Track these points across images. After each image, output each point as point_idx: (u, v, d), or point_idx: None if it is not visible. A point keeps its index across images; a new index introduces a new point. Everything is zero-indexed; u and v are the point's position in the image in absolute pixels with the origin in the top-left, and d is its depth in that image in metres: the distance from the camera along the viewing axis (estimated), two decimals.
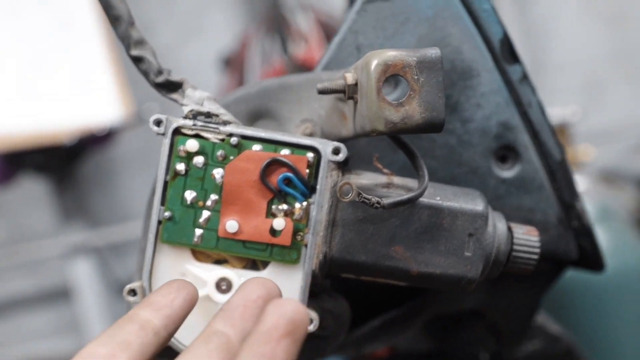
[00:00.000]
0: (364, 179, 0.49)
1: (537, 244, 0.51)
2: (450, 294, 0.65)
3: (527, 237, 0.51)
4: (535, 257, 0.51)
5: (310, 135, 0.52)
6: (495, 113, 0.58)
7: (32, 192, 1.94)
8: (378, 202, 0.43)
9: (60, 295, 1.98)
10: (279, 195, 0.47)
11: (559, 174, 0.60)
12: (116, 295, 1.95)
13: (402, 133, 0.44)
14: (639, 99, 2.02)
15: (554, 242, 0.60)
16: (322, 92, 0.47)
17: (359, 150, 0.56)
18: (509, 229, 0.51)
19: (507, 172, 0.59)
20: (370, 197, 0.43)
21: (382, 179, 0.49)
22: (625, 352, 1.12)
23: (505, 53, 0.59)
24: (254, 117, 0.54)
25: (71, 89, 1.70)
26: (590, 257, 0.63)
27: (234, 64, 1.67)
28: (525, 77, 0.59)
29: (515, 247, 0.50)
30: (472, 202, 0.49)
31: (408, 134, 0.44)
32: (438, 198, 0.49)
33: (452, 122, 0.58)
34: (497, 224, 0.50)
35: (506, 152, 0.59)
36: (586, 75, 1.99)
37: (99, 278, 1.91)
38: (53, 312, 1.99)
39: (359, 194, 0.42)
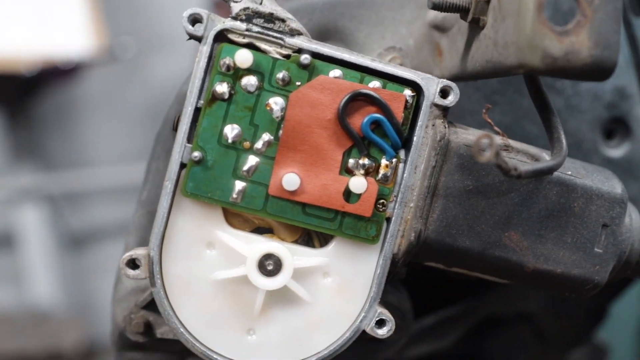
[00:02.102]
0: (473, 135, 0.36)
1: None
2: (509, 293, 0.54)
3: None
4: None
5: None
6: (613, 75, 0.46)
7: None
8: (515, 169, 0.30)
9: (2, 242, 1.78)
10: (362, 144, 0.33)
11: None
12: (67, 248, 1.77)
13: (557, 75, 0.31)
14: None
15: None
16: (437, 7, 0.33)
17: None
18: None
19: (614, 151, 0.47)
20: (507, 160, 0.30)
21: (496, 140, 0.36)
22: None
23: (633, 1, 0.46)
24: (318, 36, 0.40)
25: (35, 12, 1.48)
26: None
27: (225, 7, 1.49)
28: None
29: None
30: (608, 183, 0.37)
31: (563, 77, 0.31)
32: (569, 172, 0.36)
33: (562, 80, 0.45)
34: (633, 216, 0.38)
35: (615, 126, 0.47)
36: None
37: (48, 227, 1.72)
38: None
39: (498, 152, 0.29)
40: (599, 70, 0.31)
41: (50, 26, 1.50)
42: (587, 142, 0.46)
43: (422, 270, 0.45)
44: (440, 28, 0.39)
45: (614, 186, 0.37)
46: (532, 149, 0.36)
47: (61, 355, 1.59)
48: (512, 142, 0.36)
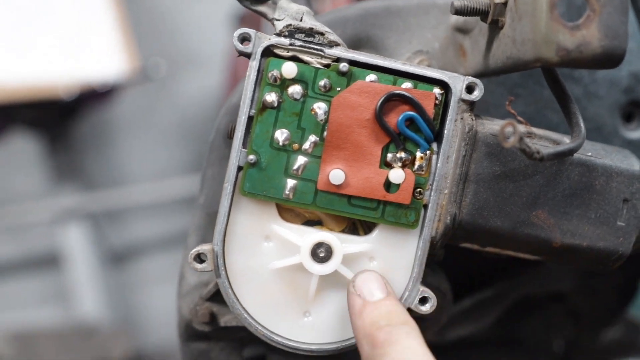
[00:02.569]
0: (498, 125, 0.39)
1: None
2: (543, 273, 0.57)
3: None
4: None
5: None
6: (627, 61, 0.48)
7: (22, 150, 1.80)
8: (538, 152, 0.33)
9: (48, 262, 1.85)
10: (398, 140, 0.37)
11: None
12: (110, 265, 1.84)
13: (572, 65, 0.34)
14: None
15: None
16: (459, 12, 0.37)
17: None
18: None
19: (634, 133, 0.50)
20: (530, 144, 0.33)
21: (520, 128, 0.39)
22: None
23: None
24: (352, 45, 0.44)
25: (71, 40, 1.56)
26: None
27: (249, 22, 1.55)
28: None
29: None
30: (626, 162, 0.40)
31: (577, 67, 0.35)
32: (589, 154, 0.39)
33: (579, 70, 0.48)
34: None
35: (633, 109, 0.50)
36: None
37: (91, 245, 1.79)
38: (40, 280, 1.87)
39: (521, 138, 0.32)
40: (610, 59, 0.34)
41: (86, 52, 1.57)
42: (607, 126, 0.49)
43: (457, 256, 0.48)
44: (462, 30, 0.42)
45: (632, 164, 0.40)
46: (554, 135, 0.40)
47: None
48: (534, 130, 0.40)
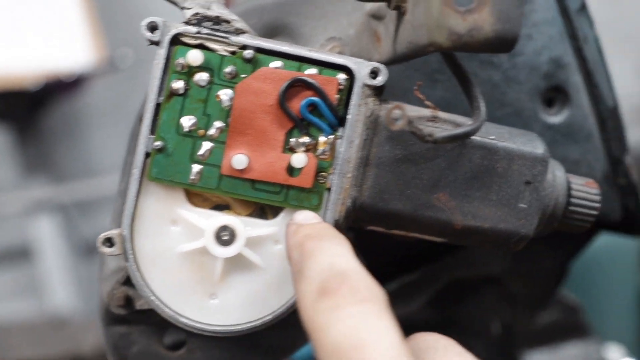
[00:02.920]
0: (405, 110, 0.40)
1: (598, 198, 0.43)
2: (470, 257, 0.58)
3: (587, 190, 0.43)
4: (595, 212, 0.43)
5: None
6: (547, 47, 0.50)
7: None
8: (430, 135, 0.34)
9: (19, 254, 1.85)
10: (301, 125, 0.38)
11: (610, 124, 0.52)
12: (81, 256, 1.83)
13: (464, 50, 0.35)
14: (628, 72, 1.97)
15: None
16: None
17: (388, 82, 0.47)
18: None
19: (554, 117, 0.51)
20: (422, 127, 0.34)
21: (425, 112, 0.40)
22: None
23: None
24: (268, 33, 0.44)
25: (37, 29, 1.55)
26: (631, 220, 0.55)
27: None
28: (583, 8, 0.50)
29: (572, 200, 0.42)
30: (530, 145, 0.41)
31: (471, 52, 0.35)
32: (492, 137, 0.40)
33: (498, 55, 0.49)
34: (556, 173, 0.42)
35: (554, 94, 0.51)
36: None
37: (62, 237, 1.78)
38: (11, 272, 1.86)
39: (410, 121, 0.33)
40: (502, 43, 0.34)
41: (52, 42, 1.56)
42: (527, 111, 0.50)
43: (382, 242, 0.49)
44: (377, 17, 0.43)
45: (536, 147, 0.41)
46: (460, 119, 0.40)
47: (82, 357, 1.66)
48: (440, 114, 0.40)
